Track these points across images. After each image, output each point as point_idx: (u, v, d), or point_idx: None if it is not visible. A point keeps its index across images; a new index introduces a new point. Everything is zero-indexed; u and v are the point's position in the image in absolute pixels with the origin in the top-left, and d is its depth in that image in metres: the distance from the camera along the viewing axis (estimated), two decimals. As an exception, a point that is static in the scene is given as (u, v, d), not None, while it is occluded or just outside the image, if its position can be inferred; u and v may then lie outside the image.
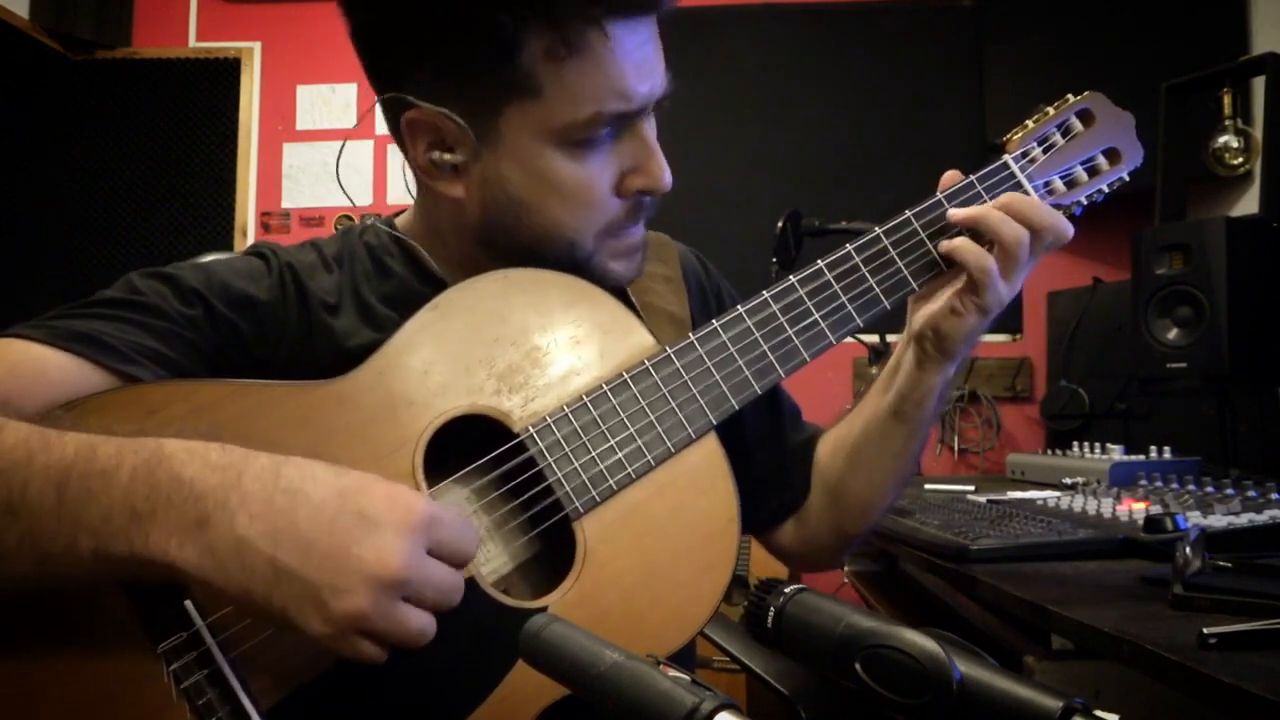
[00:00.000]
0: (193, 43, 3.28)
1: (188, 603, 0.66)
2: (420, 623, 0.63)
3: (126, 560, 0.62)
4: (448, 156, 0.82)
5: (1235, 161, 2.36)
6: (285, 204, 3.23)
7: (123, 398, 0.72)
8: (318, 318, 0.84)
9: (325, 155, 3.22)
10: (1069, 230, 0.86)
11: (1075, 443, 1.83)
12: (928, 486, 1.85)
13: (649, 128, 0.83)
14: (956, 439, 2.90)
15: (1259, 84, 2.00)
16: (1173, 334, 1.67)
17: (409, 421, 0.75)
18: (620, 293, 0.93)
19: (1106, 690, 0.87)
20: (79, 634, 0.67)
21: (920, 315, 0.89)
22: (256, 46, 3.25)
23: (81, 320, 0.76)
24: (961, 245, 0.84)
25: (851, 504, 0.98)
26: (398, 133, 0.83)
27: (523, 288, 0.81)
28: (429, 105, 0.79)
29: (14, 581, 0.63)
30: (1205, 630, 0.66)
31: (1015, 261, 0.84)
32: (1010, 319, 2.99)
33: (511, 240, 0.83)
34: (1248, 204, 2.36)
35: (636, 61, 0.79)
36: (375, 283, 0.88)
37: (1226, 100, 2.29)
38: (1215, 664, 0.62)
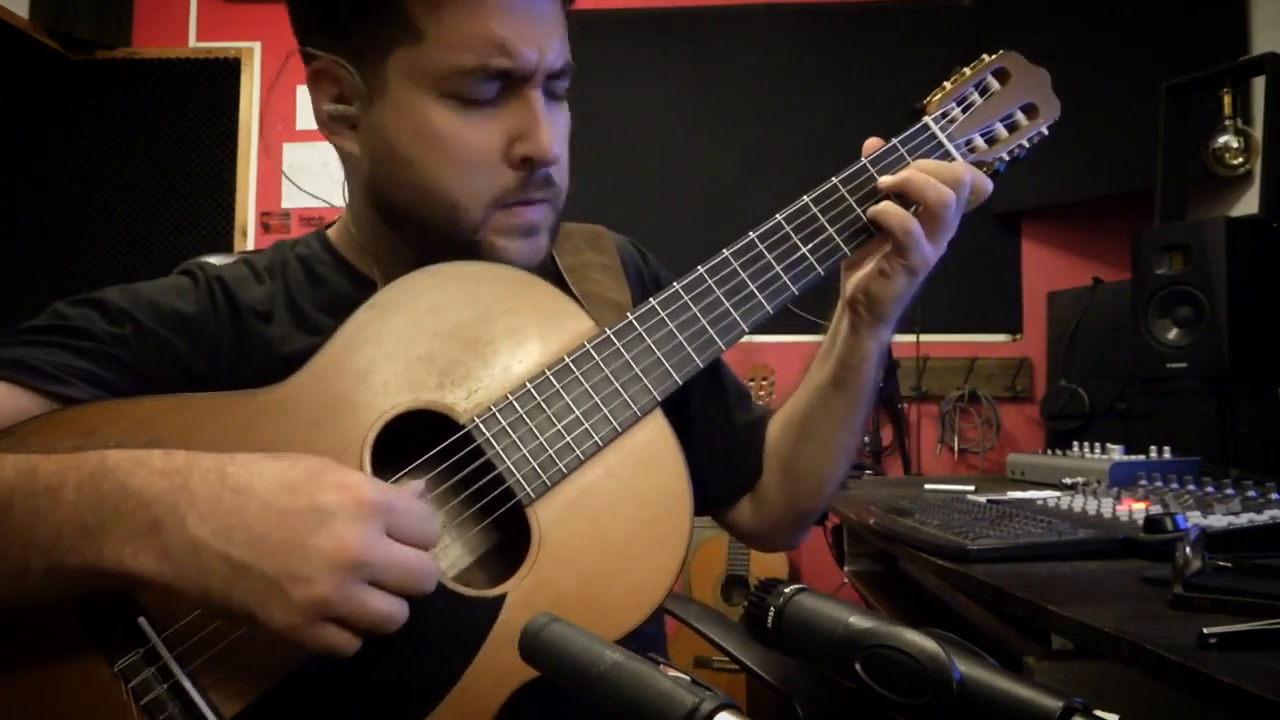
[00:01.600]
0: (193, 43, 3.28)
1: (141, 619, 0.66)
2: (386, 605, 0.63)
3: (81, 573, 0.62)
4: (341, 107, 0.83)
5: (1235, 161, 2.36)
6: (285, 204, 3.23)
7: (59, 420, 0.72)
8: (250, 327, 0.84)
9: (325, 155, 3.22)
10: (988, 186, 0.89)
11: (1075, 443, 1.83)
12: (928, 486, 1.85)
13: (538, 96, 0.82)
14: (956, 439, 2.91)
15: (1259, 84, 2.00)
16: (1173, 334, 1.67)
17: (353, 423, 0.75)
18: (559, 283, 0.94)
19: (1106, 690, 0.87)
20: (34, 660, 0.66)
21: (851, 281, 0.92)
22: (256, 46, 3.25)
23: (6, 348, 0.76)
24: (886, 209, 0.86)
25: (803, 477, 1.01)
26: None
27: (458, 281, 0.81)
28: (325, 54, 0.82)
29: None
30: (1205, 630, 0.66)
31: (941, 222, 0.86)
32: (1010, 319, 2.99)
33: (396, 200, 0.84)
34: (1248, 204, 2.36)
35: (520, 19, 0.79)
36: (309, 292, 0.88)
37: (1226, 100, 2.29)
38: (1215, 664, 0.62)
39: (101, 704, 0.66)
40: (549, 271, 0.95)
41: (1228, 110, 2.30)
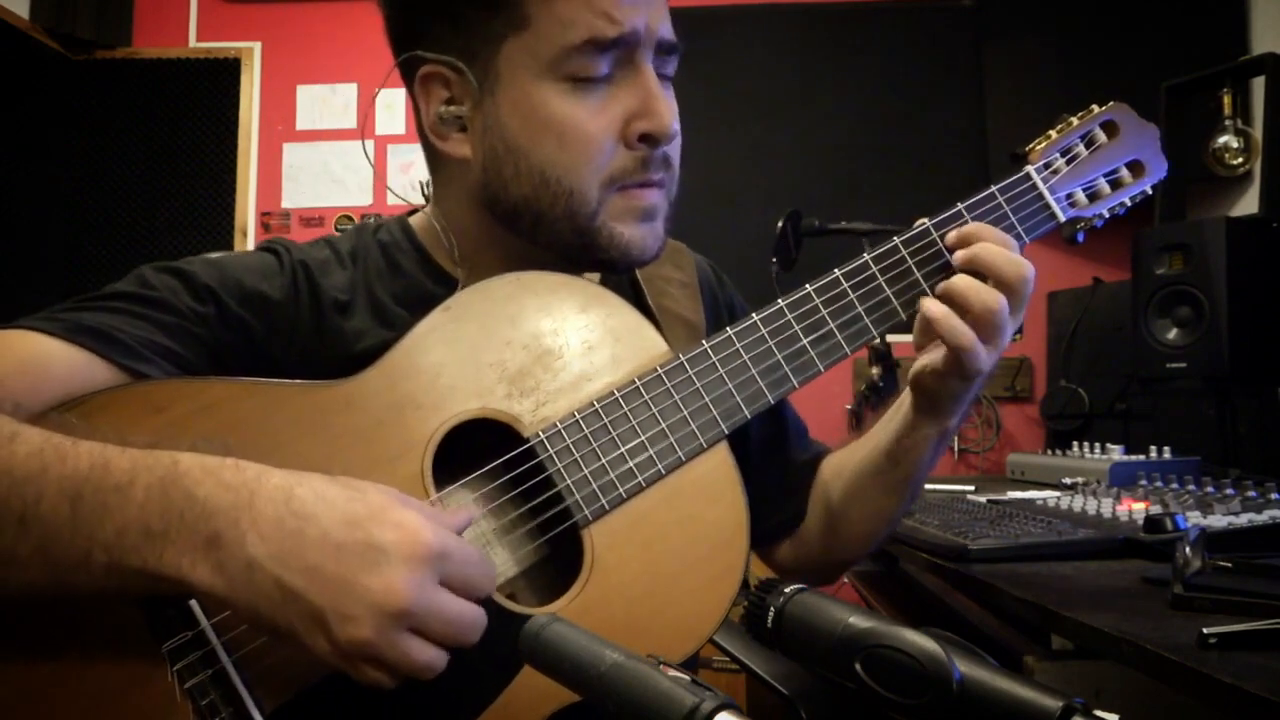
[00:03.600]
0: (193, 43, 3.28)
1: (193, 602, 0.66)
2: (426, 657, 0.63)
3: (139, 575, 0.62)
4: (454, 109, 0.82)
5: (1235, 161, 2.36)
6: (285, 204, 3.23)
7: (129, 395, 0.71)
8: (329, 319, 0.83)
9: (325, 155, 3.22)
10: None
11: (1075, 443, 1.83)
12: (928, 486, 1.85)
13: (651, 71, 0.80)
14: (956, 439, 2.91)
15: (1259, 84, 2.01)
16: (1173, 334, 1.67)
17: (417, 424, 0.74)
18: (637, 293, 0.92)
19: (1106, 690, 0.87)
20: (83, 633, 0.67)
21: (917, 362, 0.86)
22: (256, 46, 3.25)
23: (91, 314, 0.75)
24: (938, 318, 0.80)
25: (844, 533, 0.97)
26: (415, 101, 0.84)
27: (535, 290, 0.80)
28: (435, 55, 0.80)
29: (27, 590, 0.63)
30: (1205, 630, 0.67)
31: (992, 329, 0.79)
32: (1010, 319, 2.99)
33: (510, 196, 0.81)
34: (1248, 204, 2.36)
35: None
36: (387, 280, 0.87)
37: (1226, 100, 2.29)
38: (1215, 664, 0.62)
39: (147, 684, 0.66)
40: (625, 279, 0.93)
41: (1228, 110, 2.30)
